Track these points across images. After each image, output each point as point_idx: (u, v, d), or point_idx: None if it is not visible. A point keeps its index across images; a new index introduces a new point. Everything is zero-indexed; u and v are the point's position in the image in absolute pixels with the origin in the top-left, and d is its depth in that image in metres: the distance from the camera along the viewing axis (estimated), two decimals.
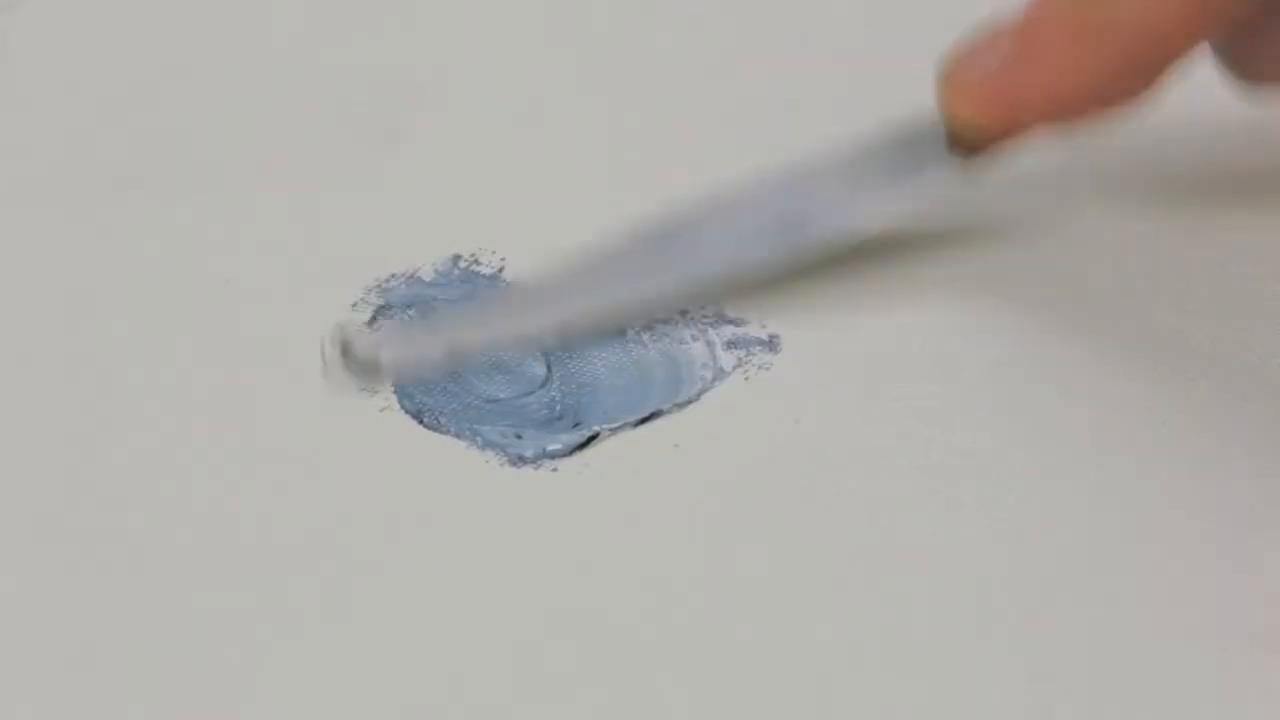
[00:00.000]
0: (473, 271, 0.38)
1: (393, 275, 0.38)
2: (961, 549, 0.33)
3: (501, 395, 0.36)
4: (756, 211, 0.37)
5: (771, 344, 0.37)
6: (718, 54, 0.45)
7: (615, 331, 0.37)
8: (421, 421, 0.35)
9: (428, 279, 0.38)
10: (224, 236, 0.40)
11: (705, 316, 0.37)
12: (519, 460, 0.35)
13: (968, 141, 0.36)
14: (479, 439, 0.35)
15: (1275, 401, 0.35)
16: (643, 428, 0.35)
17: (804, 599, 0.32)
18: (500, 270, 0.38)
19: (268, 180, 0.41)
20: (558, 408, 0.36)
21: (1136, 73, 0.35)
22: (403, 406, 0.35)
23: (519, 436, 0.35)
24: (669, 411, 0.35)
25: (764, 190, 0.38)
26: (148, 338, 0.37)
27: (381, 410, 0.36)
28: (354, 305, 0.38)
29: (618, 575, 0.33)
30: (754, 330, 0.37)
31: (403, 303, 0.38)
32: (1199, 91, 0.37)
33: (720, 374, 0.36)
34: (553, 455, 0.35)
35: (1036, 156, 0.38)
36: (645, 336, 0.37)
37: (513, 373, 0.36)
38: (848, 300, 0.37)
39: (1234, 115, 0.39)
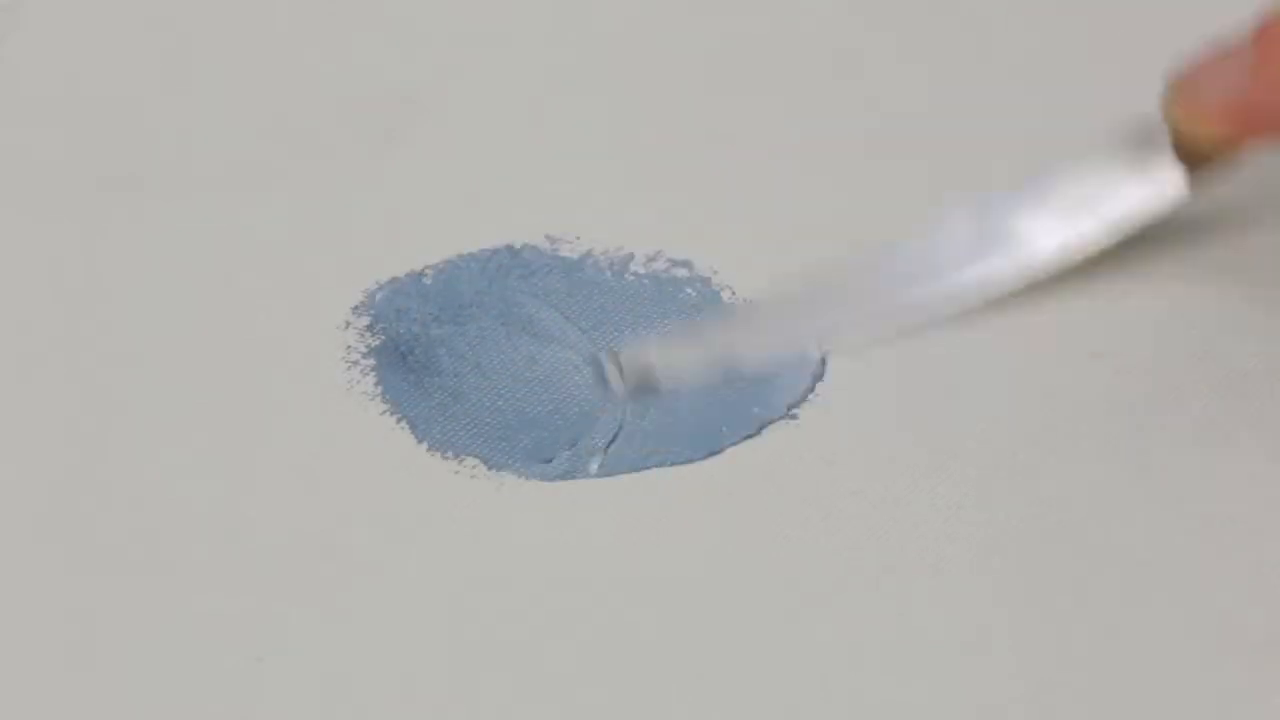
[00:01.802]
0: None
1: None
2: (961, 550, 0.33)
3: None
4: (980, 229, 0.37)
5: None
6: (718, 55, 0.45)
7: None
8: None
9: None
10: (223, 237, 0.40)
11: None
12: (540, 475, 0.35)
13: (1198, 155, 0.36)
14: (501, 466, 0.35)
15: (1276, 403, 0.35)
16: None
17: (805, 600, 0.32)
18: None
19: (267, 181, 0.41)
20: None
21: None
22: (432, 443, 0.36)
23: (549, 460, 0.35)
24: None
25: (990, 209, 0.37)
26: (147, 338, 0.37)
27: (382, 413, 0.36)
28: (354, 308, 0.38)
29: (619, 579, 0.33)
30: None
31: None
32: None
33: None
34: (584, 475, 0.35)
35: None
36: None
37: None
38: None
39: None
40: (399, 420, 0.36)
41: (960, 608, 0.32)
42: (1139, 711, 0.31)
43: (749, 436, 0.35)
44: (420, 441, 0.35)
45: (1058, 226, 0.37)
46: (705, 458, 0.35)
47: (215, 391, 0.36)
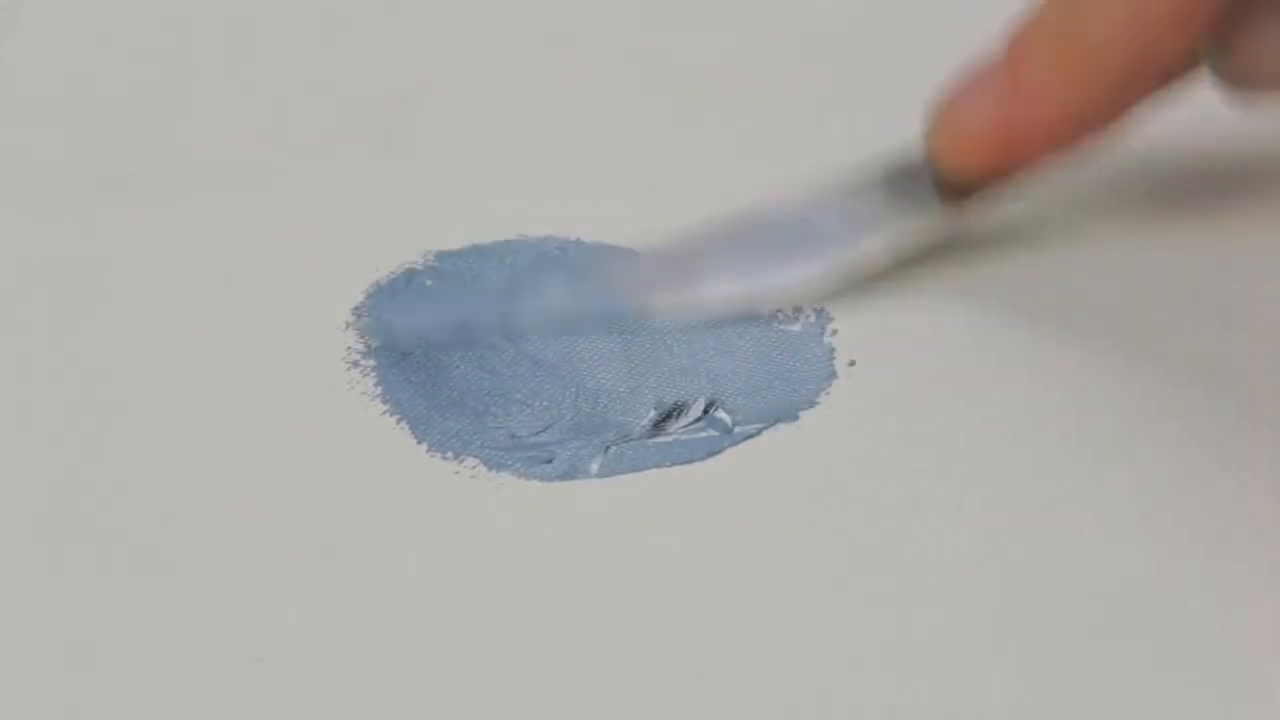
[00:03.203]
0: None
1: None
2: (961, 550, 0.33)
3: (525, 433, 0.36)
4: (751, 241, 0.37)
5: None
6: (718, 57, 0.45)
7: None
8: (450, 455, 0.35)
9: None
10: (223, 236, 0.40)
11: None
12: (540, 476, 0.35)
13: (961, 187, 0.35)
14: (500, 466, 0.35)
15: (1275, 403, 0.35)
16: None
17: (805, 600, 0.32)
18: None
19: (267, 181, 0.41)
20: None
21: (1130, 89, 0.34)
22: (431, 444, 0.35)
23: (549, 461, 0.35)
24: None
25: (759, 221, 0.37)
26: (146, 338, 0.37)
27: (382, 413, 0.36)
28: (355, 308, 0.38)
29: (619, 579, 0.33)
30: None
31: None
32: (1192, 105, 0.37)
33: None
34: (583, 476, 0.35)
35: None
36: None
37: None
38: (848, 304, 0.37)
39: (1228, 123, 0.39)
40: (399, 420, 0.36)
41: (960, 608, 0.32)
42: (1139, 711, 0.31)
43: (749, 437, 0.35)
44: (420, 442, 0.35)
45: (823, 243, 0.37)
46: (705, 458, 0.35)
47: (215, 391, 0.36)
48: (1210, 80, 0.36)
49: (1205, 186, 0.40)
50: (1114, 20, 0.33)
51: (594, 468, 0.35)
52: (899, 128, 0.42)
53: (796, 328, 0.37)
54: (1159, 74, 0.34)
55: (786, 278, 0.37)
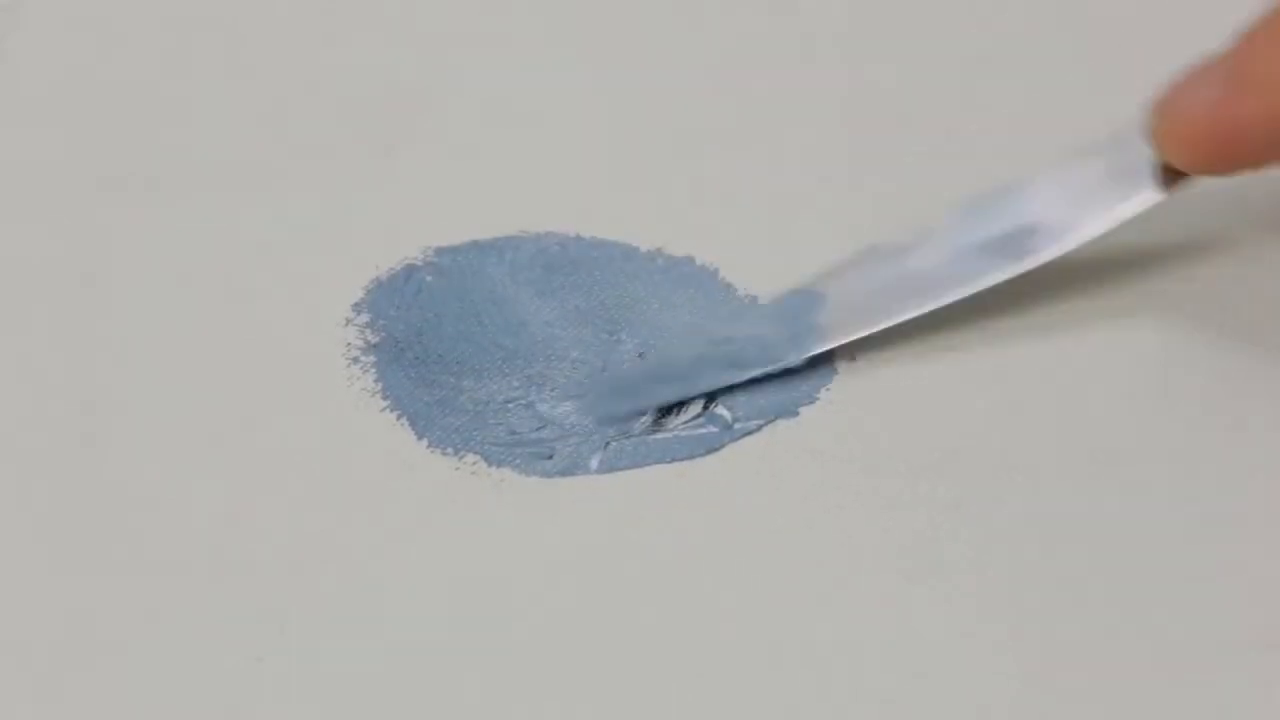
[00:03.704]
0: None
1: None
2: (961, 550, 0.33)
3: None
4: (974, 235, 0.37)
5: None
6: (719, 57, 0.45)
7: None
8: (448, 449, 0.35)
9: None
10: (224, 235, 0.40)
11: None
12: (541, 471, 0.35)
13: (1180, 172, 0.35)
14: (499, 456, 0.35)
15: (1274, 403, 0.35)
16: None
17: (805, 599, 0.32)
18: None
19: (267, 180, 0.41)
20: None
21: None
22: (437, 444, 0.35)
23: (549, 457, 0.35)
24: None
25: (978, 212, 0.37)
26: (147, 337, 0.37)
27: (382, 410, 0.36)
28: (355, 305, 0.38)
29: (619, 576, 0.33)
30: None
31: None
32: None
33: None
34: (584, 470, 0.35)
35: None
36: None
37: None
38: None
39: None
40: (399, 417, 0.36)
41: (960, 608, 0.32)
42: (1138, 711, 0.31)
43: (749, 433, 0.35)
44: (420, 438, 0.35)
45: (1046, 230, 0.36)
46: (705, 454, 0.35)
47: (215, 389, 0.36)
48: None
49: None
50: None
51: (594, 464, 0.35)
52: (903, 125, 0.42)
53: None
54: None
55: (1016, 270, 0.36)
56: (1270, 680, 0.31)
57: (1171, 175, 0.35)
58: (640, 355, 0.37)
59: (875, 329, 0.36)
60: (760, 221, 0.40)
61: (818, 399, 0.36)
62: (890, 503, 0.34)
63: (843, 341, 0.36)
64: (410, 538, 0.33)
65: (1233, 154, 0.34)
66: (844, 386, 0.36)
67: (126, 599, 0.32)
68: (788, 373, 0.36)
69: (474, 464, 0.35)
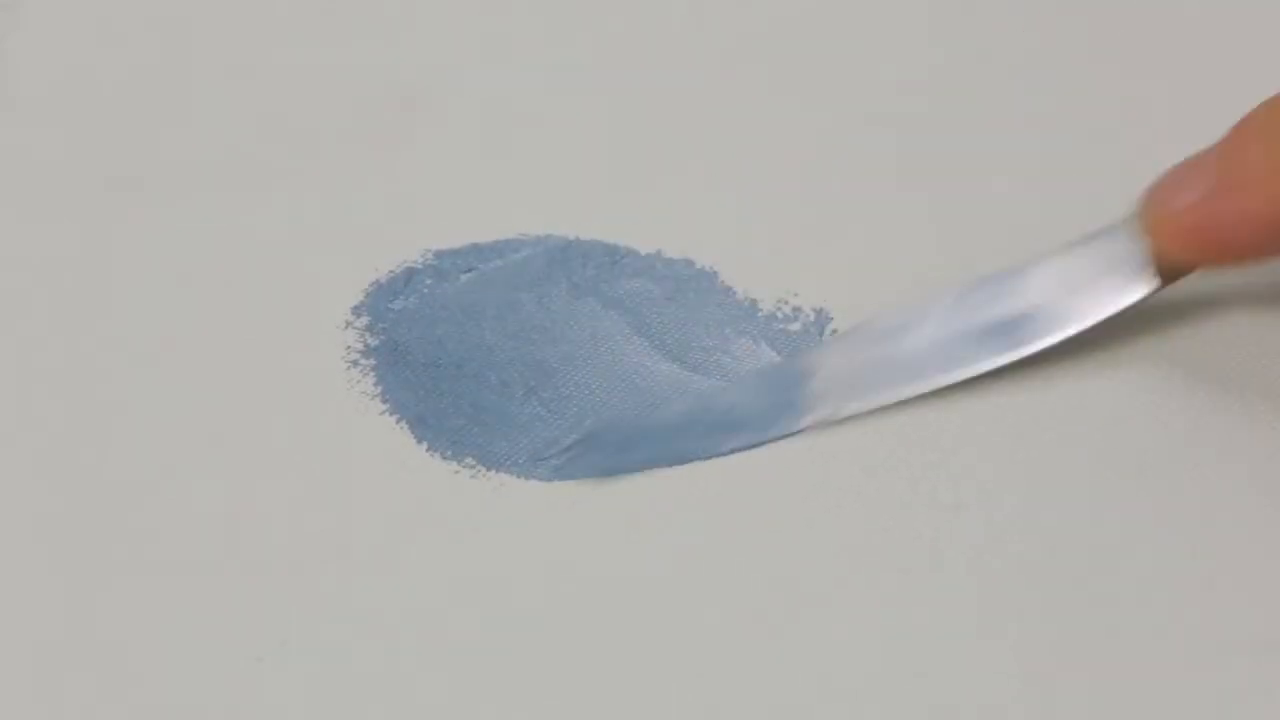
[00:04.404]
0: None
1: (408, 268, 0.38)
2: (962, 550, 0.33)
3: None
4: (967, 318, 0.37)
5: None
6: (719, 57, 0.45)
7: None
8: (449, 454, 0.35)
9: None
10: (223, 236, 0.40)
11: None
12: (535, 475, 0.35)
13: (1171, 269, 0.35)
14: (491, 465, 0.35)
15: (1274, 403, 0.35)
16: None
17: (805, 600, 0.32)
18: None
19: (267, 181, 0.41)
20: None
21: None
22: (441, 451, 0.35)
23: (547, 461, 0.35)
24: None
25: (970, 297, 0.37)
26: (146, 338, 0.37)
27: (381, 412, 0.36)
28: (354, 308, 0.38)
29: (618, 579, 0.33)
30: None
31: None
32: None
33: None
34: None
35: None
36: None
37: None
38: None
39: None
40: (398, 420, 0.36)
41: (960, 608, 0.32)
42: (1139, 711, 0.31)
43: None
44: (419, 441, 0.35)
45: (1041, 319, 0.36)
46: (705, 458, 0.35)
47: (215, 391, 0.36)
48: None
49: None
50: None
51: (594, 465, 0.35)
52: (903, 131, 0.42)
53: (796, 326, 0.37)
54: None
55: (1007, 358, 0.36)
56: (1270, 681, 0.31)
57: (1167, 266, 0.35)
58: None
59: (862, 409, 0.36)
60: (760, 224, 0.40)
61: None
62: (890, 503, 0.34)
63: (826, 419, 0.36)
64: (409, 540, 0.33)
65: (1220, 249, 0.34)
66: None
67: (127, 599, 0.33)
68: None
69: (472, 467, 0.35)
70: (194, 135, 0.42)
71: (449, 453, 0.35)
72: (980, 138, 0.42)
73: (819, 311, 0.37)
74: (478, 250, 0.39)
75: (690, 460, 0.35)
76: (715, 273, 0.38)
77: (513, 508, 0.34)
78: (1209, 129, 0.35)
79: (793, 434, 0.35)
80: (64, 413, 0.36)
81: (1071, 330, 0.36)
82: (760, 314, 0.38)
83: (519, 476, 0.35)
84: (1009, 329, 0.36)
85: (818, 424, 0.35)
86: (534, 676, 0.31)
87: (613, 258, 0.39)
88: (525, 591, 0.33)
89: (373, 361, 0.37)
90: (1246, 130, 0.34)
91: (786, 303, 0.38)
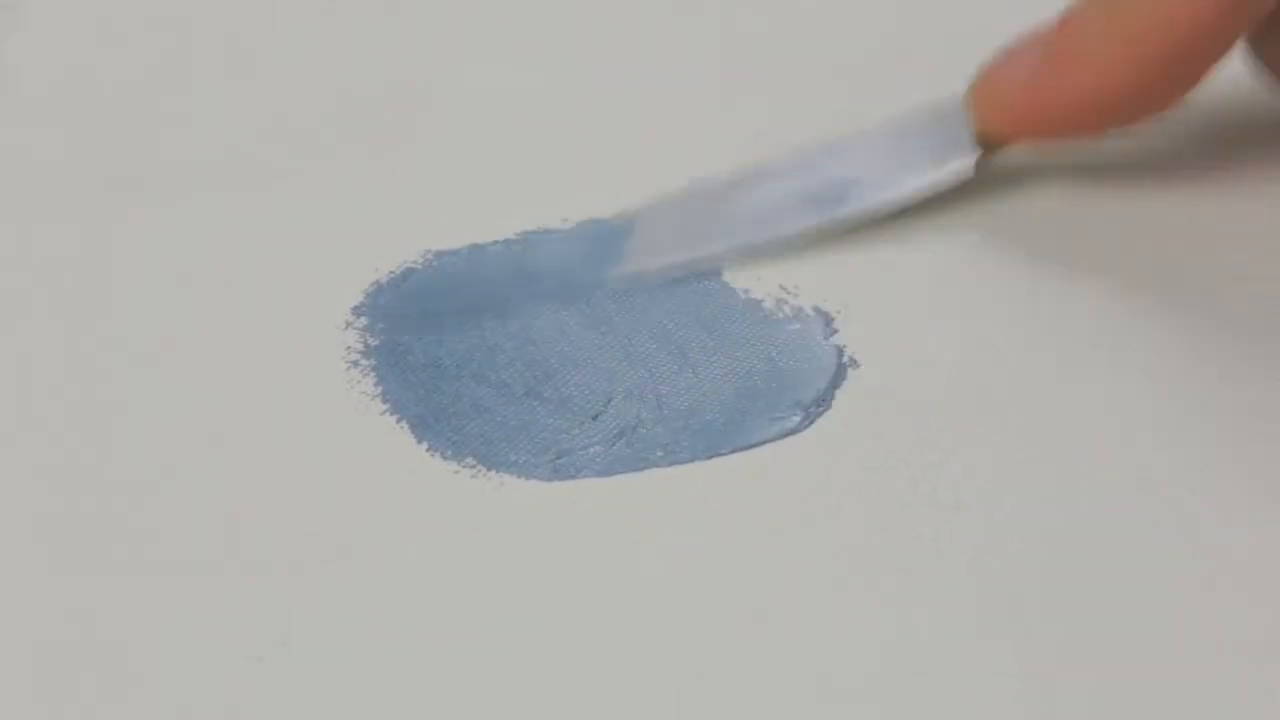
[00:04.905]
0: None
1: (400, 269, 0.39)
2: (961, 550, 0.33)
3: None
4: (794, 182, 0.37)
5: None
6: (719, 54, 0.45)
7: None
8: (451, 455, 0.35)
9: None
10: (223, 236, 0.40)
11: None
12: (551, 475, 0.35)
13: (995, 143, 0.37)
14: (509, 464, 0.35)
15: (1275, 399, 0.35)
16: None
17: (805, 600, 0.32)
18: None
19: (267, 181, 0.41)
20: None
21: (1173, 76, 0.35)
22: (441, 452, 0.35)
23: (549, 460, 0.35)
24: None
25: (801, 162, 0.38)
26: (146, 338, 0.37)
27: (382, 413, 0.36)
28: (354, 307, 0.38)
29: (619, 578, 0.33)
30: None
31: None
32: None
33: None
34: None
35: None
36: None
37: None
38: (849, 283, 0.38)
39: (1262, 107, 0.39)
40: (398, 420, 0.36)
41: (960, 608, 0.32)
42: (1139, 711, 0.31)
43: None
44: (420, 441, 0.35)
45: (863, 188, 0.38)
46: (706, 458, 0.35)
47: (215, 391, 0.36)
48: (1245, 61, 0.36)
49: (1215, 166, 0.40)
50: (1160, 15, 0.34)
51: (595, 465, 0.35)
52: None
53: (797, 326, 0.37)
54: (1201, 64, 0.35)
55: (825, 219, 0.37)
56: (1270, 680, 0.31)
57: (988, 143, 0.37)
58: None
59: (678, 261, 0.36)
60: None
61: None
62: (890, 503, 0.34)
63: (643, 270, 0.36)
64: (409, 540, 0.33)
65: (1044, 121, 0.36)
66: (843, 388, 0.36)
67: (126, 599, 0.32)
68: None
69: (473, 467, 0.35)
70: (194, 135, 0.43)
71: (449, 453, 0.35)
72: None
73: (819, 310, 0.37)
74: (478, 250, 0.39)
75: (509, 309, 0.36)
76: (717, 270, 0.38)
77: (513, 508, 0.34)
78: None
79: (605, 285, 0.37)
80: (63, 412, 0.36)
81: (895, 197, 0.37)
82: (762, 313, 0.38)
83: (519, 476, 0.35)
84: (833, 191, 0.37)
85: (634, 274, 0.36)
86: (534, 676, 0.31)
87: (613, 258, 0.39)
88: (525, 591, 0.33)
89: (373, 362, 0.37)
90: (1076, 10, 0.35)
91: (786, 302, 0.38)
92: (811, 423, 0.35)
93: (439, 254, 0.39)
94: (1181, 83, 0.35)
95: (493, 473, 0.35)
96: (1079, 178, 0.40)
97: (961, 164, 0.37)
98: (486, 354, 0.37)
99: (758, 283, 0.38)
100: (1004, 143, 0.37)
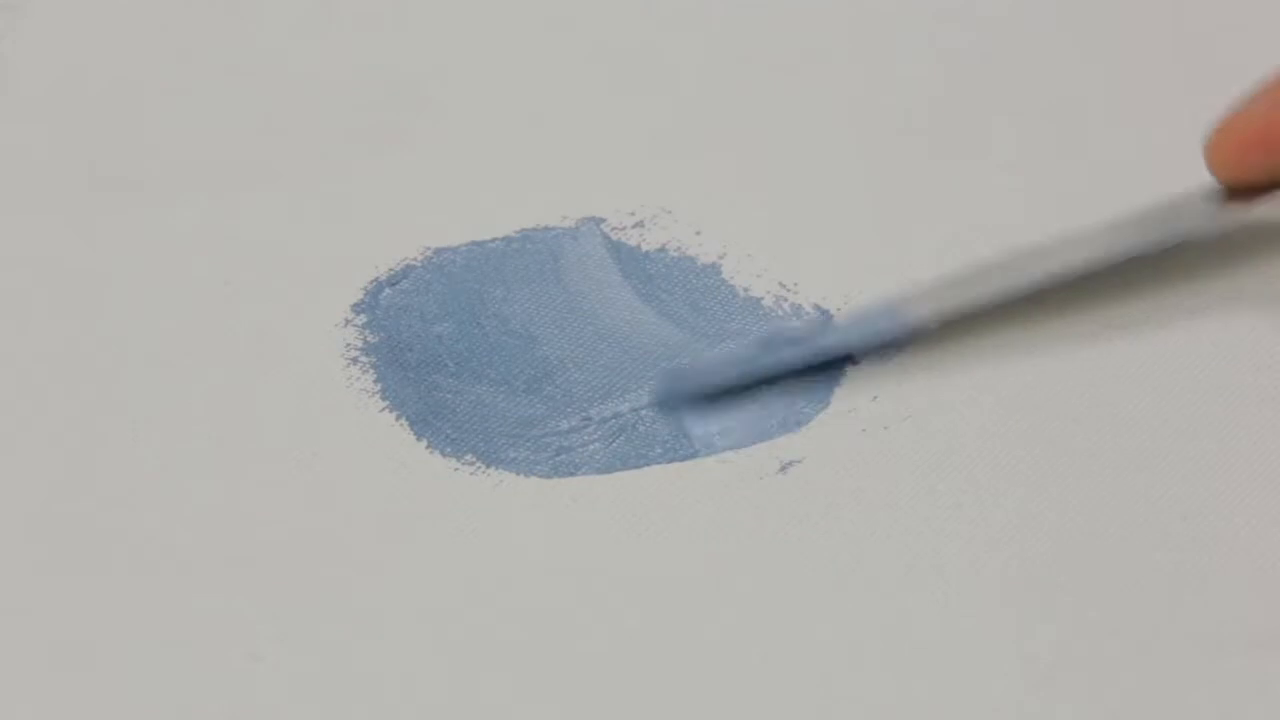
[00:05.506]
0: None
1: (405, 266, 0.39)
2: (961, 550, 0.33)
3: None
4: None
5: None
6: (720, 55, 0.45)
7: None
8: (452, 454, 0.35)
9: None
10: (223, 235, 0.40)
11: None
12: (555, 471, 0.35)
13: (1236, 188, 0.36)
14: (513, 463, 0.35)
15: (1275, 400, 0.35)
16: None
17: (805, 600, 0.32)
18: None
19: (266, 179, 0.41)
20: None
21: None
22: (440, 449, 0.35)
23: (548, 458, 0.35)
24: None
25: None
26: (146, 337, 0.37)
27: (381, 410, 0.36)
28: (354, 305, 0.38)
29: (618, 577, 0.33)
30: None
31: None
32: None
33: None
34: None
35: None
36: None
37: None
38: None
39: None
40: (398, 417, 0.36)
41: (960, 608, 0.32)
42: (1139, 711, 0.31)
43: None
44: (419, 439, 0.35)
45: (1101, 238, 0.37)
46: (705, 455, 0.35)
47: (214, 389, 0.36)
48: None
49: None
50: None
51: (595, 464, 0.35)
52: (902, 128, 0.42)
53: (796, 324, 0.37)
54: None
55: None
56: (1270, 680, 0.31)
57: (1234, 186, 0.36)
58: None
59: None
60: (761, 221, 0.40)
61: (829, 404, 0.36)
62: (890, 503, 0.34)
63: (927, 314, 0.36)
64: (408, 537, 0.33)
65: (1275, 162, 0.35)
66: (843, 388, 0.36)
67: (126, 598, 0.32)
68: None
69: (472, 464, 0.35)
70: (192, 135, 0.43)
71: (449, 450, 0.35)
72: (982, 135, 0.42)
73: (819, 308, 0.37)
74: (477, 247, 0.39)
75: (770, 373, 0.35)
76: (718, 268, 0.38)
77: (513, 505, 0.34)
78: None
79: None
80: (63, 411, 0.36)
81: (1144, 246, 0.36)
82: (761, 310, 0.38)
83: (519, 473, 0.35)
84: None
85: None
86: (534, 675, 0.31)
87: (614, 255, 0.39)
88: (525, 589, 0.32)
89: (373, 359, 0.37)
90: None
91: (786, 299, 0.38)
92: (809, 421, 0.35)
93: (439, 251, 0.39)
94: None
95: (492, 469, 0.35)
96: None
97: (1205, 217, 0.37)
98: (486, 351, 0.37)
99: (757, 280, 0.38)
100: (1242, 187, 0.36)
